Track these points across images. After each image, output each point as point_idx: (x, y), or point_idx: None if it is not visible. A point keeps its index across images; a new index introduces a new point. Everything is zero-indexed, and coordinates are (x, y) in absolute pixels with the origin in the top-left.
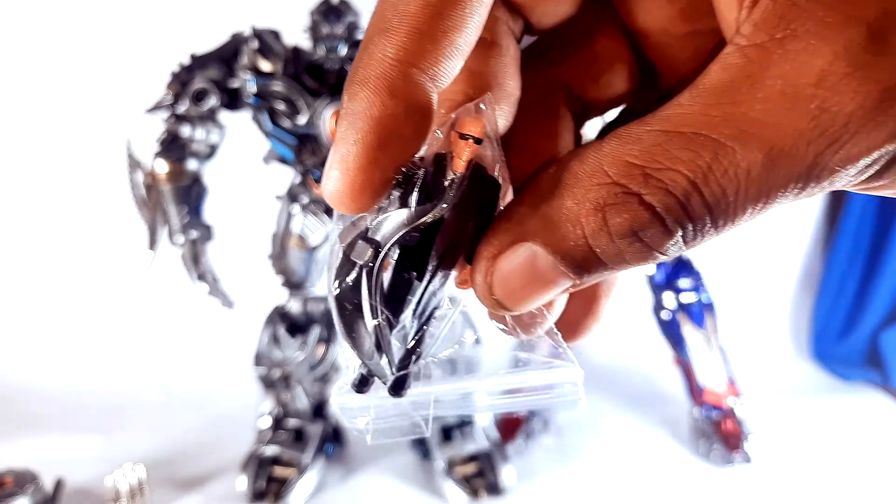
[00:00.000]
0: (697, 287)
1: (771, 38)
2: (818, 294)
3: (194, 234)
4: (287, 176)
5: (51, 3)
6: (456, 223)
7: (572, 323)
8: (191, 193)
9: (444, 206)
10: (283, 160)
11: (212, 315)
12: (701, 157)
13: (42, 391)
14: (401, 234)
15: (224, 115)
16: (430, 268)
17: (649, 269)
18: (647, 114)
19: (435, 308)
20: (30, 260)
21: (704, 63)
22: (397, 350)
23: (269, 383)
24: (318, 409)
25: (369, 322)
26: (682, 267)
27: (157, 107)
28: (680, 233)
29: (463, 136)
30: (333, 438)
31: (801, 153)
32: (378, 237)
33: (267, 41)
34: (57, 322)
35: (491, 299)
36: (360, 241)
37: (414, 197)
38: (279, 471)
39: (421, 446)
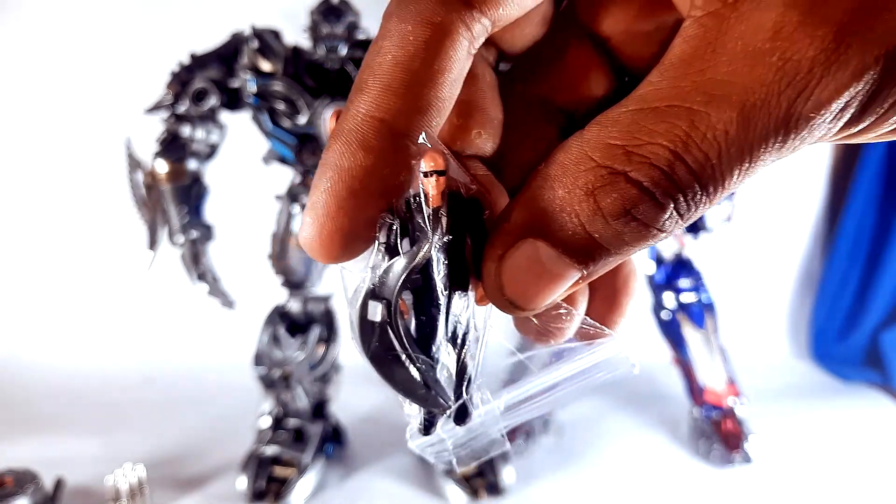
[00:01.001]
0: (697, 287)
1: (724, 4)
2: (818, 294)
3: (194, 234)
4: (287, 176)
5: (51, 3)
6: (451, 250)
7: (598, 319)
8: (191, 193)
9: (430, 242)
10: (283, 160)
11: (212, 315)
12: (677, 127)
13: (42, 391)
14: (401, 281)
15: (224, 115)
16: (442, 299)
17: (649, 268)
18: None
19: (465, 333)
20: (30, 260)
21: None
22: (447, 383)
23: (269, 383)
24: (318, 409)
25: (412, 370)
26: (682, 267)
27: (157, 107)
28: (672, 205)
29: (426, 174)
30: (333, 438)
31: (774, 105)
32: (384, 292)
33: (267, 41)
34: (57, 322)
35: (503, 301)
36: (370, 302)
37: (404, 244)
38: (279, 471)
39: None
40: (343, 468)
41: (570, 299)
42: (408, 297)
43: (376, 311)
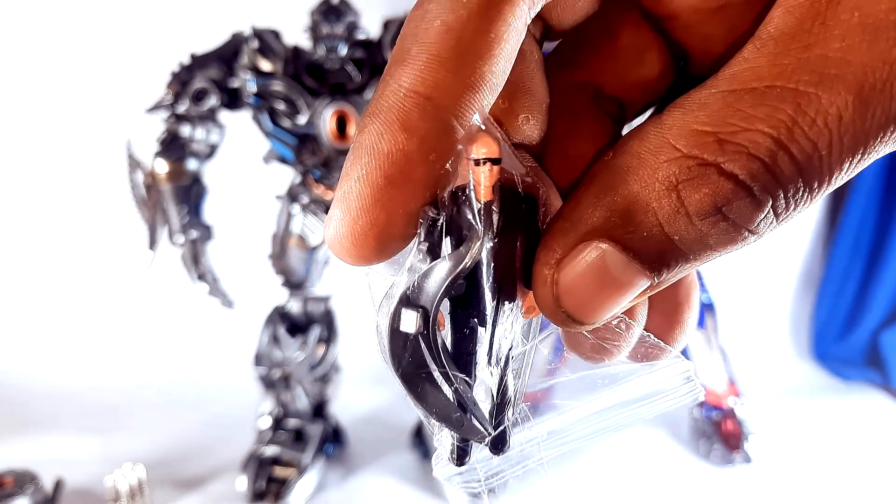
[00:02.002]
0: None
1: None
2: (818, 294)
3: (194, 234)
4: (287, 176)
5: (51, 3)
6: (501, 252)
7: (656, 335)
8: (191, 193)
9: (479, 242)
10: (283, 160)
11: (212, 315)
12: (781, 111)
13: (42, 391)
14: (444, 287)
15: (224, 115)
16: (489, 309)
17: None
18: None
19: (510, 349)
20: (30, 260)
21: (744, 37)
22: (485, 406)
23: (269, 383)
24: (318, 409)
25: (447, 390)
26: None
27: (157, 106)
28: (770, 202)
29: (477, 162)
30: (333, 438)
31: None
32: (421, 299)
33: (267, 41)
34: (57, 322)
35: (559, 314)
36: (403, 310)
37: (446, 243)
38: (279, 471)
39: (421, 446)
40: (343, 468)
41: (629, 312)
42: (444, 305)
43: (411, 322)
